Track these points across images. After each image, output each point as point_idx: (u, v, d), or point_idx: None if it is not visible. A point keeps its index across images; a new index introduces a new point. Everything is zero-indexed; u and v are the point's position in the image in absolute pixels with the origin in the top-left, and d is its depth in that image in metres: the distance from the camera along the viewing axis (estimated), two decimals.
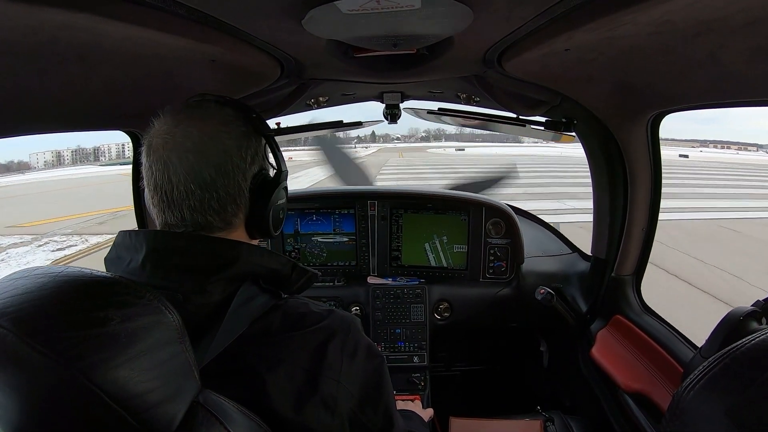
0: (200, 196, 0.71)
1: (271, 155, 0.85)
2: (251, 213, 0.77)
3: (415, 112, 2.02)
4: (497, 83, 1.39)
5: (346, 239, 2.17)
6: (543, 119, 1.58)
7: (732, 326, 1.03)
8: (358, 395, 0.75)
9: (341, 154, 3.34)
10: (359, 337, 0.78)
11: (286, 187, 0.85)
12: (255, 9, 0.75)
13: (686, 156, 48.06)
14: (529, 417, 1.70)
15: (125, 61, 0.87)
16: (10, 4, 0.55)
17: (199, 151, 0.70)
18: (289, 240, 2.16)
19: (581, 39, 0.85)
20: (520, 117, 1.60)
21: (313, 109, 1.89)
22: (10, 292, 0.51)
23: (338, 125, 2.08)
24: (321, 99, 1.77)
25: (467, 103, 1.76)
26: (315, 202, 2.15)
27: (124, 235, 0.73)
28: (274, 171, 0.84)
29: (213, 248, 0.72)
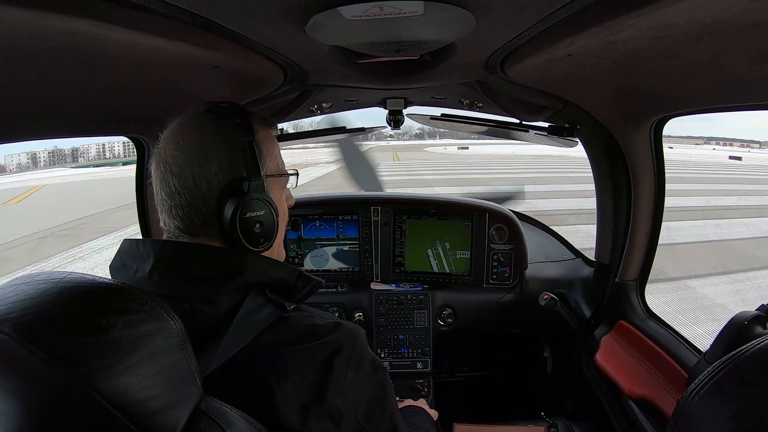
0: (168, 204, 0.74)
1: (280, 160, 0.86)
2: (221, 223, 0.74)
3: (418, 117, 2.02)
4: (500, 89, 1.39)
5: (350, 245, 2.16)
6: (546, 124, 1.58)
7: (736, 331, 1.03)
8: (363, 407, 0.75)
9: (359, 156, 3.31)
10: (364, 350, 0.78)
11: (264, 198, 0.77)
12: (258, 15, 0.75)
13: (739, 158, 38.87)
14: (532, 423, 1.69)
15: (129, 67, 0.88)
16: (15, 10, 0.55)
17: (168, 162, 0.74)
18: (292, 245, 2.16)
19: (584, 44, 0.85)
20: (523, 122, 1.60)
21: (316, 115, 1.90)
22: (12, 298, 0.51)
23: (341, 131, 2.09)
24: (324, 105, 1.78)
25: (470, 108, 1.76)
26: (318, 207, 2.15)
27: (129, 243, 0.74)
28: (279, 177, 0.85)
29: (220, 258, 0.73)
